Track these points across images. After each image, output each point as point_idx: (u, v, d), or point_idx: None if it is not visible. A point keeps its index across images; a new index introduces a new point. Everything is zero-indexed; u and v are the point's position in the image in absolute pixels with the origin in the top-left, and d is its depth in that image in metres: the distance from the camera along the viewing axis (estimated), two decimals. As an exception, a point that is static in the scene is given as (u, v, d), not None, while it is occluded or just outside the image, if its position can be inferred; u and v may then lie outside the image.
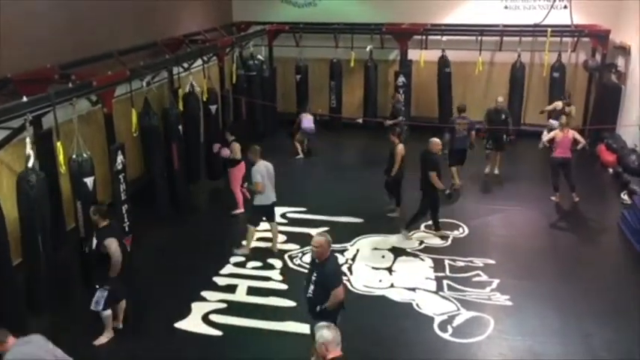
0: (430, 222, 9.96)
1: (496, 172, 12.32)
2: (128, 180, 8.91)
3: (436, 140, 9.54)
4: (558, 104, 12.75)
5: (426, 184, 9.44)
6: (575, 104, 13.41)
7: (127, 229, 8.84)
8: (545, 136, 11.70)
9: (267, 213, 9.25)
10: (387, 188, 10.47)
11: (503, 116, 12.09)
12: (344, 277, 8.36)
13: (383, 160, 10.56)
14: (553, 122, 12.49)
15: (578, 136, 10.88)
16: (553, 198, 11.05)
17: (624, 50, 13.49)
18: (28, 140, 6.87)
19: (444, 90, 15.06)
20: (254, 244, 9.32)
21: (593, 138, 13.40)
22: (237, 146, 10.58)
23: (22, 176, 6.89)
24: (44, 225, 7.07)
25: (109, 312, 6.95)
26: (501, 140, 12.18)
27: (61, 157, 7.23)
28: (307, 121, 13.74)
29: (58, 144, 7.22)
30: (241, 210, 10.58)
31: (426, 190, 9.51)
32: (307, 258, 8.98)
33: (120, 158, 8.59)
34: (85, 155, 7.69)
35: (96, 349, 6.92)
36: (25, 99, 6.87)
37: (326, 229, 9.85)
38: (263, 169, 8.96)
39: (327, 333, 4.55)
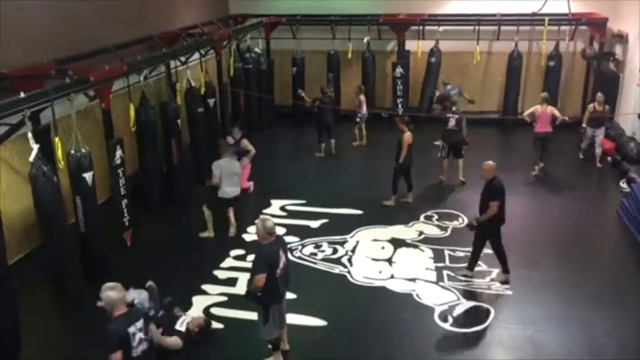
0: (430, 212, 10.02)
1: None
2: (127, 175, 8.91)
3: (490, 164, 7.87)
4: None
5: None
6: (572, 94, 13.43)
7: (126, 223, 8.86)
8: (526, 112, 12.06)
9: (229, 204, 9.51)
10: (397, 175, 10.46)
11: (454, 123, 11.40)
12: (343, 269, 8.46)
13: (381, 151, 10.57)
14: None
15: (556, 112, 11.51)
16: (534, 172, 11.36)
17: (622, 38, 13.47)
18: (30, 135, 6.86)
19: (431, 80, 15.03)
20: (252, 237, 9.31)
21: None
22: (245, 141, 10.79)
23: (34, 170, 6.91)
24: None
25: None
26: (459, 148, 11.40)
27: (59, 153, 7.23)
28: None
29: (57, 139, 7.22)
30: None
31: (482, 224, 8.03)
32: (307, 250, 9.02)
33: (118, 153, 8.59)
34: (83, 150, 7.69)
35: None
36: (22, 95, 6.85)
37: (325, 221, 9.92)
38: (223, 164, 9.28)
39: (112, 293, 4.89)
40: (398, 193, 10.52)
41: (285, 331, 6.62)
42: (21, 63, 8.24)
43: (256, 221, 6.22)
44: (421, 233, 9.52)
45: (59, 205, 7.18)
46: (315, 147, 13.21)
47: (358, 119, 13.66)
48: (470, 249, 8.25)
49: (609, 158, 12.43)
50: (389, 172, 10.56)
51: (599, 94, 12.15)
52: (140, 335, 4.93)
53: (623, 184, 11.03)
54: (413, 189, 10.64)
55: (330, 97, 13.08)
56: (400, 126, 10.33)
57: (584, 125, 12.32)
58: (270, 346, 6.40)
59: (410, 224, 9.79)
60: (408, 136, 10.14)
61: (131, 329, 4.85)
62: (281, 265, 6.08)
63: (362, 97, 13.62)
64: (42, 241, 7.46)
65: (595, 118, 12.03)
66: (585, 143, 12.41)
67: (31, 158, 6.88)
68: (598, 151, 12.12)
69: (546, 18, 14.08)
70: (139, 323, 4.96)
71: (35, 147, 6.87)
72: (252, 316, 7.36)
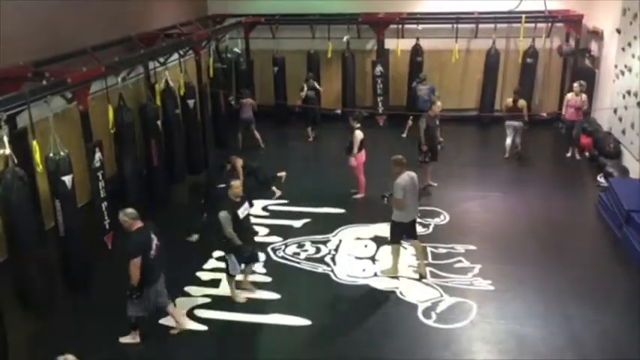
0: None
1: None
2: (107, 177, 8.82)
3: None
4: (508, 101, 12.62)
5: None
6: (549, 90, 13.57)
7: (107, 226, 8.77)
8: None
9: None
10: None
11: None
12: (327, 267, 8.46)
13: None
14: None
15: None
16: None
17: (597, 35, 13.66)
18: (5, 139, 6.75)
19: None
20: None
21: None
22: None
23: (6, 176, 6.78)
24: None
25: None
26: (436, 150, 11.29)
27: (37, 156, 7.13)
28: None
29: (34, 143, 7.12)
30: None
31: None
32: (290, 250, 9.01)
33: (98, 156, 8.49)
34: (62, 153, 7.59)
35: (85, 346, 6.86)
36: (-2, 98, 6.75)
37: (308, 220, 9.92)
38: None
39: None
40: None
41: (174, 308, 7.16)
42: (-3, 65, 8.13)
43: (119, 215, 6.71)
44: (403, 231, 9.55)
45: (28, 211, 7.01)
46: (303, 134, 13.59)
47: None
48: (452, 245, 8.30)
49: (587, 153, 12.60)
50: (372, 171, 10.62)
51: (575, 84, 12.50)
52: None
53: (601, 179, 11.18)
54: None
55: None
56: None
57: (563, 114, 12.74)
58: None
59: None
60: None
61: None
62: (154, 247, 6.64)
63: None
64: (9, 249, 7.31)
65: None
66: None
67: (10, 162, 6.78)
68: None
69: (523, 16, 14.23)
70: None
71: (9, 152, 6.77)
72: (236, 317, 7.41)
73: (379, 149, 11.81)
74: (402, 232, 8.14)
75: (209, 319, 7.37)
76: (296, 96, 14.48)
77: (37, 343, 7.11)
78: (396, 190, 7.78)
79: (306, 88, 13.94)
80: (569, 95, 12.54)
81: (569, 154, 12.61)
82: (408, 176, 7.89)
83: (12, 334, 6.58)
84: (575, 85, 12.40)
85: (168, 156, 10.90)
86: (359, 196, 10.76)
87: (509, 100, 12.60)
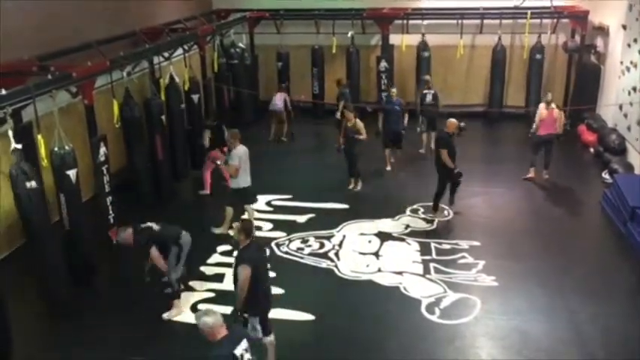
0: (416, 205, 10.09)
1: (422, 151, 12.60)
2: (111, 172, 8.84)
3: (452, 120, 9.59)
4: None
5: (438, 163, 9.69)
6: (554, 86, 13.47)
7: (111, 221, 8.80)
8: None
9: (243, 195, 9.29)
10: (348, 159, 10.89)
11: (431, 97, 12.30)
12: (331, 263, 8.47)
13: (367, 145, 10.66)
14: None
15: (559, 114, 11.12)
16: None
17: (603, 31, 13.59)
18: (11, 133, 6.77)
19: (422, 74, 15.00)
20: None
21: (573, 118, 13.58)
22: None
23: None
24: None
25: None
26: (434, 121, 12.24)
27: (42, 150, 7.16)
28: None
29: (39, 137, 7.14)
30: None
31: (439, 169, 9.71)
32: (294, 245, 9.02)
33: (102, 150, 8.52)
34: (67, 148, 7.61)
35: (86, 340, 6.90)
36: (4, 92, 6.76)
37: (312, 215, 9.93)
38: (242, 152, 9.01)
39: (208, 319, 4.65)
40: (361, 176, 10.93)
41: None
42: (2, 60, 8.12)
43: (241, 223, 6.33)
44: (407, 226, 9.56)
45: (40, 204, 7.07)
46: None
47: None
48: (456, 241, 8.30)
49: (592, 149, 12.56)
50: (374, 166, 10.65)
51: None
52: (248, 356, 4.69)
53: (606, 175, 11.16)
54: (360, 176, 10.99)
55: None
56: (347, 116, 10.71)
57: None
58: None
59: (396, 217, 9.82)
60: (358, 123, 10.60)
61: (238, 351, 4.61)
62: None
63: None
64: (24, 241, 7.37)
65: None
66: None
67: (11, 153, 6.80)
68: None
69: (528, 11, 14.13)
70: (244, 343, 4.71)
71: (16, 146, 6.79)
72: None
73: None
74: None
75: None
76: (301, 91, 14.47)
77: (42, 339, 7.14)
78: (233, 158, 8.80)
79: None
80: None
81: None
82: (242, 148, 8.88)
83: (16, 328, 6.61)
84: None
85: (172, 151, 10.92)
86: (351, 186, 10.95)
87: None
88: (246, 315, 5.96)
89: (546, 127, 10.87)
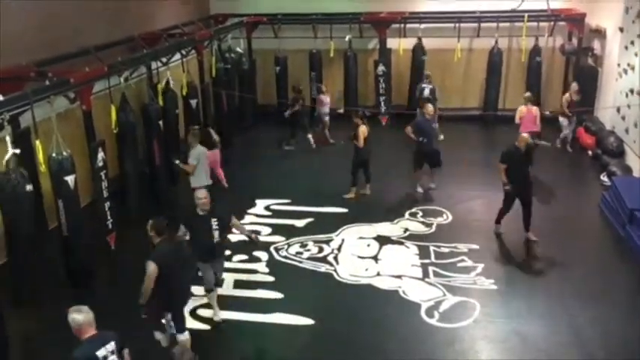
0: (414, 209, 10.10)
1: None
2: (110, 177, 8.83)
3: (524, 136, 9.13)
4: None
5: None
6: (551, 88, 13.52)
7: (109, 226, 8.79)
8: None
9: None
10: (355, 168, 10.69)
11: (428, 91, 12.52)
12: (330, 267, 8.46)
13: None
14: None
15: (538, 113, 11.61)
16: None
17: (600, 33, 13.62)
18: (8, 139, 6.77)
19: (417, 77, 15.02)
20: (239, 237, 9.26)
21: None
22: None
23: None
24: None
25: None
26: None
27: (40, 156, 7.15)
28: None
29: (37, 142, 7.13)
30: None
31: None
32: (293, 249, 9.01)
33: (100, 155, 8.52)
34: (64, 153, 7.60)
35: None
36: (1, 97, 6.76)
37: (310, 219, 9.92)
38: (200, 152, 9.44)
39: (78, 316, 4.61)
40: (357, 186, 10.78)
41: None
42: (0, 65, 8.13)
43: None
44: (406, 230, 9.55)
45: (28, 212, 7.03)
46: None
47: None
48: (455, 244, 8.30)
49: (590, 152, 12.58)
50: (375, 170, 10.63)
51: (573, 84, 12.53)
52: (113, 358, 4.62)
53: (604, 178, 11.16)
54: (371, 181, 10.81)
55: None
56: (355, 120, 10.57)
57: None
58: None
59: (395, 221, 9.82)
60: (363, 129, 10.40)
61: (101, 352, 4.54)
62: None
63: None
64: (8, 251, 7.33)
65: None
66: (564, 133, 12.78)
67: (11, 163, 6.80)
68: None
69: (525, 14, 14.21)
70: (110, 346, 4.64)
71: (14, 151, 6.79)
72: (239, 316, 7.41)
73: (382, 148, 11.81)
74: None
75: (212, 319, 7.36)
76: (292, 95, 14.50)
77: (39, 342, 7.11)
78: (191, 157, 9.21)
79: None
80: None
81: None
82: (201, 149, 9.37)
83: (12, 334, 6.60)
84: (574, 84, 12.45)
85: (168, 156, 10.91)
86: (349, 195, 10.78)
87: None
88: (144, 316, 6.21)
89: (526, 125, 11.16)
